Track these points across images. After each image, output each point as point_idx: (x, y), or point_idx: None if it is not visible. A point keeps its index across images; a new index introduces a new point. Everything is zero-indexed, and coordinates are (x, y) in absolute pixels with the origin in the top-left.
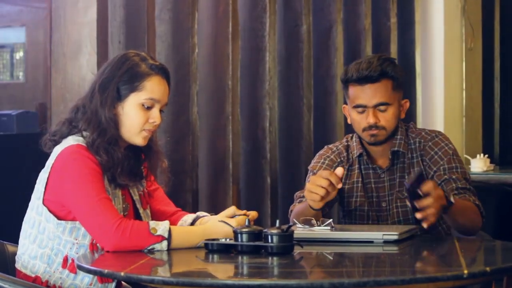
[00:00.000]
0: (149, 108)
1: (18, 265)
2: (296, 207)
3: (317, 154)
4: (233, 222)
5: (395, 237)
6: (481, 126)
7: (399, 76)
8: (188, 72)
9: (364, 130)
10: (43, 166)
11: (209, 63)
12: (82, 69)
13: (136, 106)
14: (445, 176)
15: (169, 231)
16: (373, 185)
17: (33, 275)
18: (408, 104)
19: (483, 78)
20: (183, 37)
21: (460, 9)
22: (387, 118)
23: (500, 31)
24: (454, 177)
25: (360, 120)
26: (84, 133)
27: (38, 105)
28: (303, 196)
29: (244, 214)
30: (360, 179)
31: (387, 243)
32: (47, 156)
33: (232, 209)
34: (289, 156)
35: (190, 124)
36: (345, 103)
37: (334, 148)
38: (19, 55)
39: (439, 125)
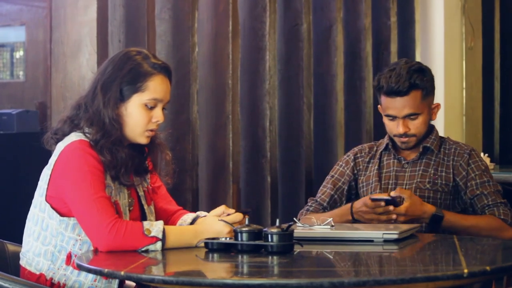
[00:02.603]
0: (152, 108)
1: (22, 262)
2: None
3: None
4: (228, 219)
5: (395, 236)
6: (481, 125)
7: (429, 84)
8: (188, 71)
9: (395, 136)
10: (43, 165)
11: (209, 62)
12: (82, 68)
13: (139, 107)
14: (477, 192)
15: (163, 231)
16: (393, 173)
17: (37, 273)
18: (440, 106)
19: (483, 77)
20: (183, 36)
21: (460, 8)
22: (417, 126)
23: (500, 30)
24: (486, 192)
25: (391, 127)
26: (86, 129)
27: (38, 104)
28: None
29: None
30: (376, 167)
31: (387, 242)
32: (47, 154)
33: (221, 208)
34: (289, 155)
35: (190, 123)
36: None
37: (360, 146)
38: (19, 54)
39: (439, 124)
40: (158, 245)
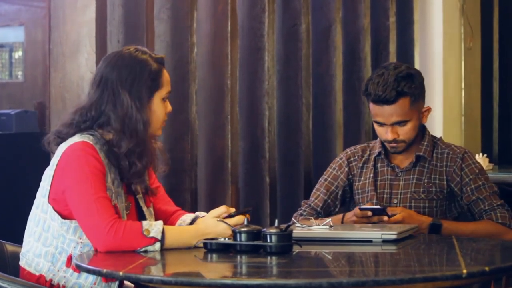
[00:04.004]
0: (165, 101)
1: (22, 263)
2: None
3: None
4: (230, 221)
5: (394, 237)
6: (480, 125)
7: (417, 90)
8: (187, 71)
9: (385, 141)
10: (42, 165)
11: (208, 62)
12: (81, 68)
13: (160, 102)
14: (473, 197)
15: (163, 232)
16: (387, 182)
17: (37, 274)
18: (430, 110)
19: (482, 78)
20: (182, 36)
21: (459, 8)
22: (405, 132)
23: (499, 31)
24: (481, 197)
25: (380, 132)
26: (115, 140)
27: (37, 104)
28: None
29: (237, 213)
30: (372, 175)
31: (386, 242)
32: (46, 154)
33: (222, 208)
34: (288, 156)
35: (189, 123)
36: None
37: (353, 148)
38: (18, 54)
39: (438, 125)
40: (157, 245)
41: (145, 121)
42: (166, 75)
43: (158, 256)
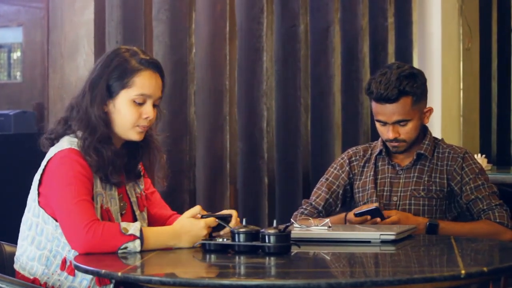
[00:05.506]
0: (141, 104)
1: (16, 266)
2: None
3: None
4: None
5: (392, 237)
6: (478, 126)
7: (420, 90)
8: (186, 72)
9: (386, 140)
10: (40, 166)
11: (206, 63)
12: (79, 69)
13: (127, 103)
14: (472, 196)
15: (141, 230)
16: (388, 180)
17: (31, 277)
18: (432, 110)
19: (480, 78)
20: (181, 37)
21: (458, 9)
22: (407, 131)
23: (497, 31)
24: (480, 196)
25: (382, 131)
26: (78, 133)
27: (36, 105)
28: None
29: (211, 215)
30: (372, 173)
31: (384, 243)
32: (44, 155)
33: (197, 208)
34: (286, 156)
35: (187, 124)
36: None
37: (355, 148)
38: (16, 55)
39: (436, 126)
40: (137, 243)
41: (97, 115)
42: (145, 77)
43: (156, 257)
